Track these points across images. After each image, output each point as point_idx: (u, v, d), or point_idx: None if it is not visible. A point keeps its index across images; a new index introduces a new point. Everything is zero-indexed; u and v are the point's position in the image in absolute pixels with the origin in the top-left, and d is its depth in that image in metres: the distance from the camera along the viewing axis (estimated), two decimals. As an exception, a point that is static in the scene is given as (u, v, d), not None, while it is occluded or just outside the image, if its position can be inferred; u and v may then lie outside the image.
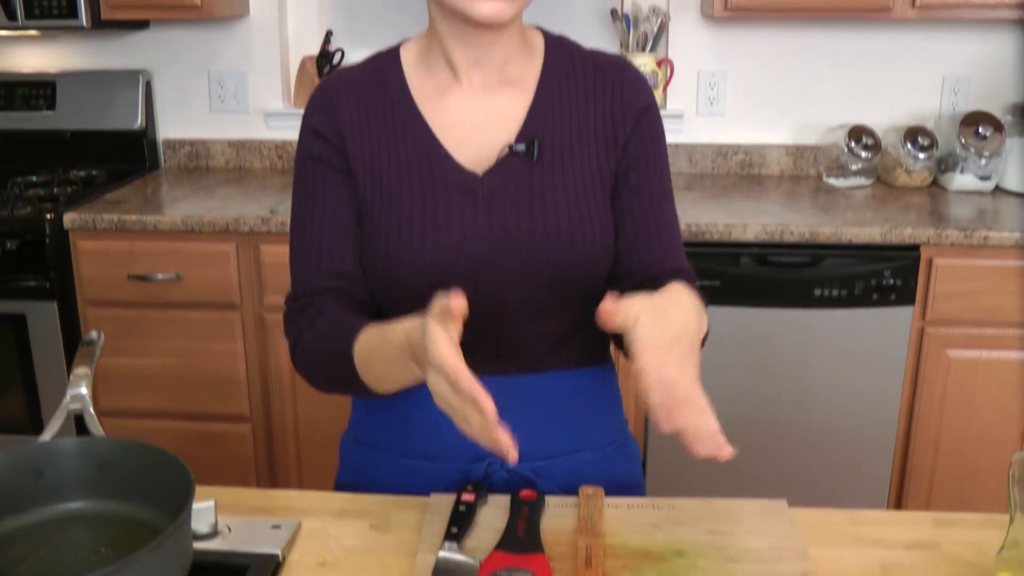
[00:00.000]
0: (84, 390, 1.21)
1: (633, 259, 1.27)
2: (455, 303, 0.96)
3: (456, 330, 0.98)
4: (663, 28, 2.98)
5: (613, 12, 3.03)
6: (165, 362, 2.70)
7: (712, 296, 2.51)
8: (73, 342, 2.69)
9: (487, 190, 1.24)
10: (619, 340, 1.34)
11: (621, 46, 3.02)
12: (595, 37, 3.09)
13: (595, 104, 1.27)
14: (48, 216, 2.61)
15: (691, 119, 3.08)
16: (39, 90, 3.17)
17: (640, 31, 2.98)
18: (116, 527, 1.06)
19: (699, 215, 2.54)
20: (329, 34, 3.12)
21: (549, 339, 1.31)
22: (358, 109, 1.27)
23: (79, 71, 3.21)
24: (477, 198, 1.23)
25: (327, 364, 1.23)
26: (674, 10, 3.00)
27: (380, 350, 1.14)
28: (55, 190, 2.84)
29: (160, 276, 2.63)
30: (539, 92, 1.27)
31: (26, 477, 1.07)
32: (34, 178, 2.98)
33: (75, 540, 1.06)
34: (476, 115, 1.27)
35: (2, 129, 3.19)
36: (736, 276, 2.48)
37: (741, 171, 3.09)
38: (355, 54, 3.16)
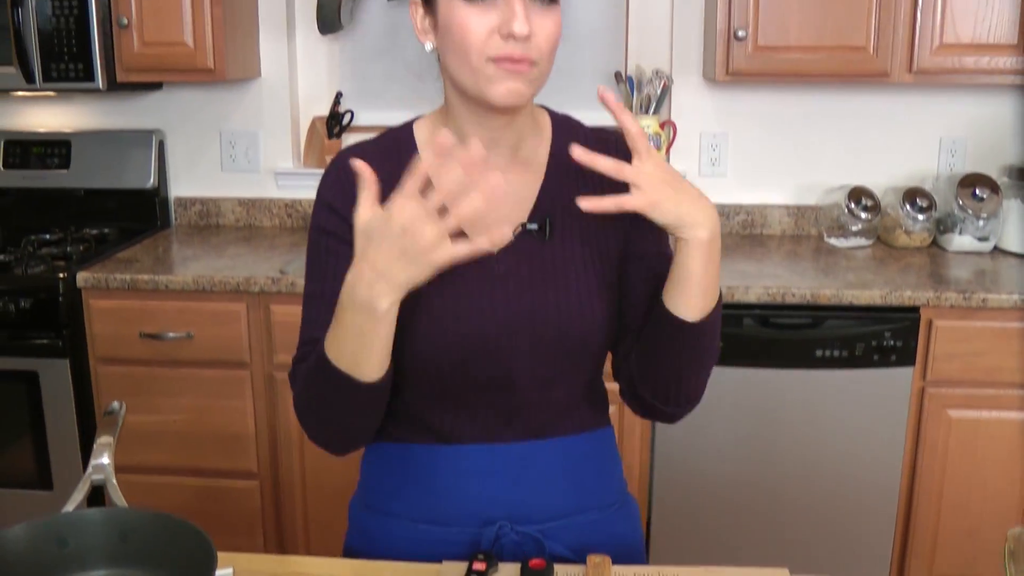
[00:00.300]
0: (106, 459, 1.25)
1: (643, 316, 1.30)
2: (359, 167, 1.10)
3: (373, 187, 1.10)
4: (666, 91, 3.04)
5: (617, 75, 3.09)
6: (175, 418, 2.73)
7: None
8: (84, 399, 2.72)
9: (502, 269, 1.28)
10: (630, 396, 1.37)
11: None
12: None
13: (600, 181, 1.28)
14: (61, 275, 2.65)
15: (694, 180, 3.13)
16: (54, 149, 3.23)
17: (644, 93, 3.04)
18: (139, 596, 1.09)
19: (702, 276, 2.58)
20: (339, 95, 3.19)
21: (556, 406, 1.34)
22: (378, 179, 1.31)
23: (93, 130, 3.27)
24: (493, 277, 1.27)
25: (313, 387, 1.24)
26: (677, 73, 3.07)
27: (335, 331, 1.17)
28: (68, 248, 2.89)
29: (171, 335, 2.67)
30: (549, 172, 1.32)
31: (51, 546, 1.10)
32: (47, 236, 3.03)
33: (98, 609, 1.09)
34: (490, 195, 1.30)
35: (17, 187, 3.24)
36: (739, 337, 2.52)
37: (743, 231, 3.14)
38: (364, 115, 3.23)
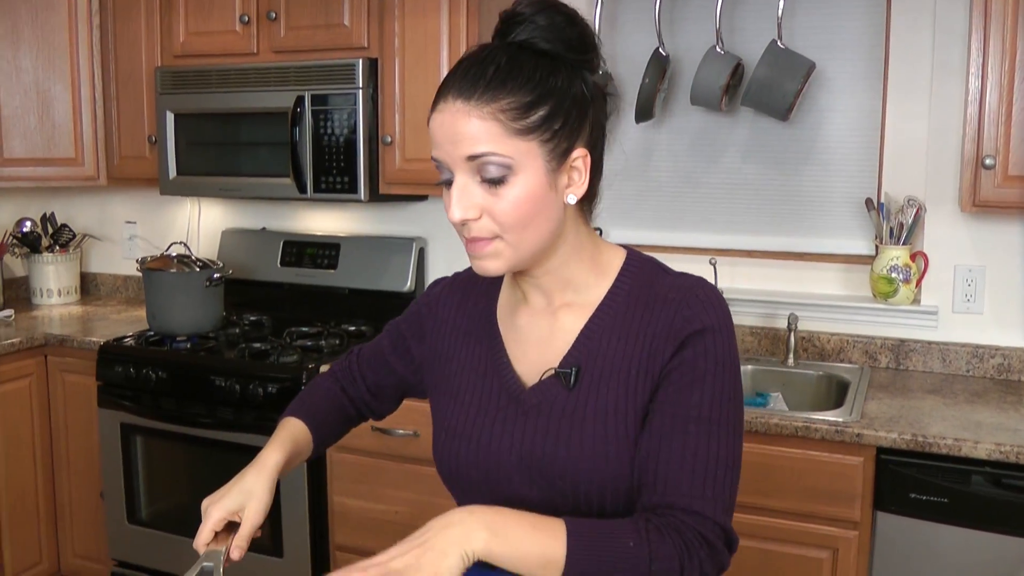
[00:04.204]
0: (212, 562, 1.34)
1: (641, 479, 1.24)
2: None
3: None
4: (919, 219, 2.88)
5: (868, 201, 2.96)
6: (396, 509, 2.88)
7: (939, 514, 2.34)
8: (318, 479, 2.94)
9: (526, 407, 1.30)
10: None
11: (876, 237, 2.94)
12: (849, 226, 3.03)
13: (644, 334, 1.27)
14: (309, 366, 2.89)
15: (946, 316, 2.92)
16: (325, 251, 3.55)
17: (895, 221, 2.90)
18: None
19: (930, 425, 2.40)
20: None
21: None
22: (455, 304, 1.45)
23: (362, 235, 3.57)
24: (518, 412, 1.31)
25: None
26: (930, 201, 2.90)
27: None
28: (322, 342, 3.15)
29: (400, 431, 2.83)
30: (594, 317, 1.31)
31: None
32: (306, 329, 3.32)
33: None
34: (538, 333, 1.35)
35: (290, 283, 3.59)
36: (965, 495, 2.31)
37: (998, 375, 2.88)
38: (615, 233, 3.28)
